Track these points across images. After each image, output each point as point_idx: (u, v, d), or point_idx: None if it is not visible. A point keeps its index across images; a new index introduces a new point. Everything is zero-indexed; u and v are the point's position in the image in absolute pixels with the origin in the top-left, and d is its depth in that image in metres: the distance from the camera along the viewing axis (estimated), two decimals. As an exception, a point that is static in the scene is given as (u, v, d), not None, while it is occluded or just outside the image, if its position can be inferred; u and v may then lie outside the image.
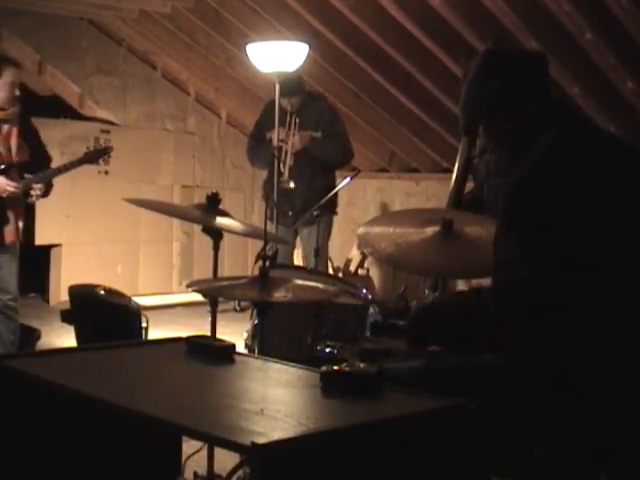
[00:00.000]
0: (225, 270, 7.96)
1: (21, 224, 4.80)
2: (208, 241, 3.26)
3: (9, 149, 4.72)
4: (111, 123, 8.02)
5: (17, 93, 4.74)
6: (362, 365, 2.09)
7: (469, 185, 4.48)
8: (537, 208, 2.09)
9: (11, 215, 4.71)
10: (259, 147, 5.99)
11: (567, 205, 2.08)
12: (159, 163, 8.34)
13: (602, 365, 2.10)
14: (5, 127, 4.73)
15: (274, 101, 5.79)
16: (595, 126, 2.35)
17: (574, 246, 2.07)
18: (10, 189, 4.62)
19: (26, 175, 4.73)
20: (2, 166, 4.61)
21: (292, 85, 5.78)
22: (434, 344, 2.40)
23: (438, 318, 2.30)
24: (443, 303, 2.52)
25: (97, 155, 5.19)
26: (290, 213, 5.88)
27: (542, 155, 2.18)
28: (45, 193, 4.84)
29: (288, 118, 5.84)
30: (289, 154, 5.82)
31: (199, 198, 7.73)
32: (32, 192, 4.72)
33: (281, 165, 5.80)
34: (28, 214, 5.10)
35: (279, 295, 2.64)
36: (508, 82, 2.27)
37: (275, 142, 5.75)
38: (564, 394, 2.11)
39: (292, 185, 5.75)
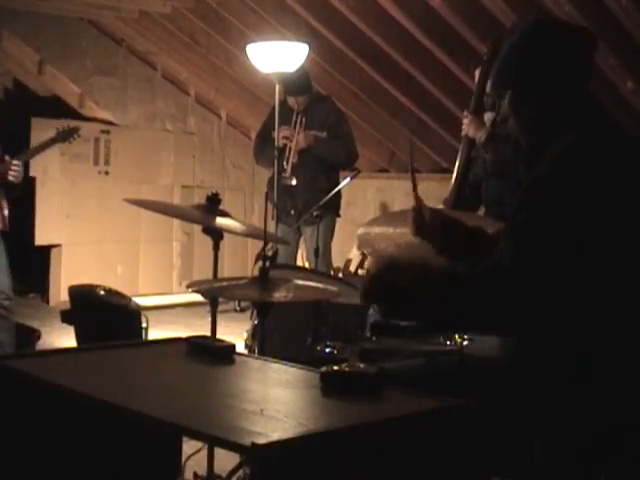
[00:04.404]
0: (225, 270, 7.96)
1: (6, 212, 4.84)
2: (208, 241, 3.26)
3: None
4: (111, 123, 8.02)
5: None
6: (362, 365, 2.09)
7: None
8: (550, 208, 2.07)
9: None
10: (265, 145, 6.03)
11: (582, 207, 2.07)
12: (159, 163, 8.34)
13: (604, 362, 2.10)
14: None
15: (283, 101, 5.82)
16: (617, 126, 2.30)
17: (582, 250, 2.06)
18: None
19: (6, 157, 4.82)
20: None
21: (300, 84, 5.81)
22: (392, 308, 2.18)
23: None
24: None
25: (67, 135, 5.39)
26: (292, 212, 5.90)
27: (561, 155, 2.16)
28: (21, 181, 4.90)
29: (294, 117, 5.87)
30: (293, 152, 5.85)
31: (199, 198, 7.73)
32: (10, 171, 4.76)
33: (284, 162, 5.83)
34: (26, 206, 5.15)
35: (279, 295, 2.64)
36: (542, 63, 2.21)
37: (277, 141, 5.77)
38: (565, 392, 2.11)
39: (294, 182, 5.78)
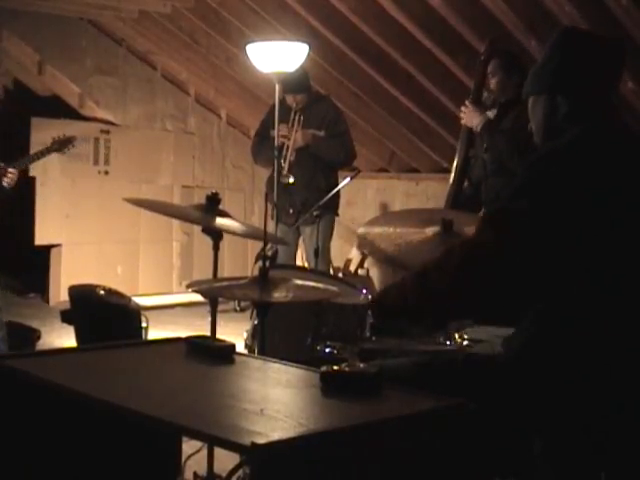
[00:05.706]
0: (225, 270, 7.96)
1: None
2: (208, 241, 3.26)
3: None
4: (111, 123, 8.02)
5: None
6: (362, 365, 2.09)
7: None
8: (543, 201, 2.09)
9: None
10: (263, 144, 6.04)
11: (575, 201, 2.08)
12: (159, 163, 8.34)
13: (604, 362, 2.10)
14: None
15: (281, 100, 5.83)
16: (623, 125, 2.33)
17: (576, 248, 2.07)
18: None
19: (2, 164, 4.89)
20: None
21: (298, 83, 5.81)
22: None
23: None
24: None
25: (62, 145, 5.49)
26: (291, 211, 5.91)
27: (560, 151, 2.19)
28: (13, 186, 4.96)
29: (292, 115, 5.88)
30: (291, 150, 5.86)
31: (199, 198, 7.73)
32: (5, 178, 4.82)
33: (282, 160, 5.83)
34: (26, 212, 5.19)
35: (279, 295, 2.64)
36: (567, 66, 2.27)
37: (276, 140, 5.77)
38: (565, 392, 2.11)
39: (291, 180, 5.79)
